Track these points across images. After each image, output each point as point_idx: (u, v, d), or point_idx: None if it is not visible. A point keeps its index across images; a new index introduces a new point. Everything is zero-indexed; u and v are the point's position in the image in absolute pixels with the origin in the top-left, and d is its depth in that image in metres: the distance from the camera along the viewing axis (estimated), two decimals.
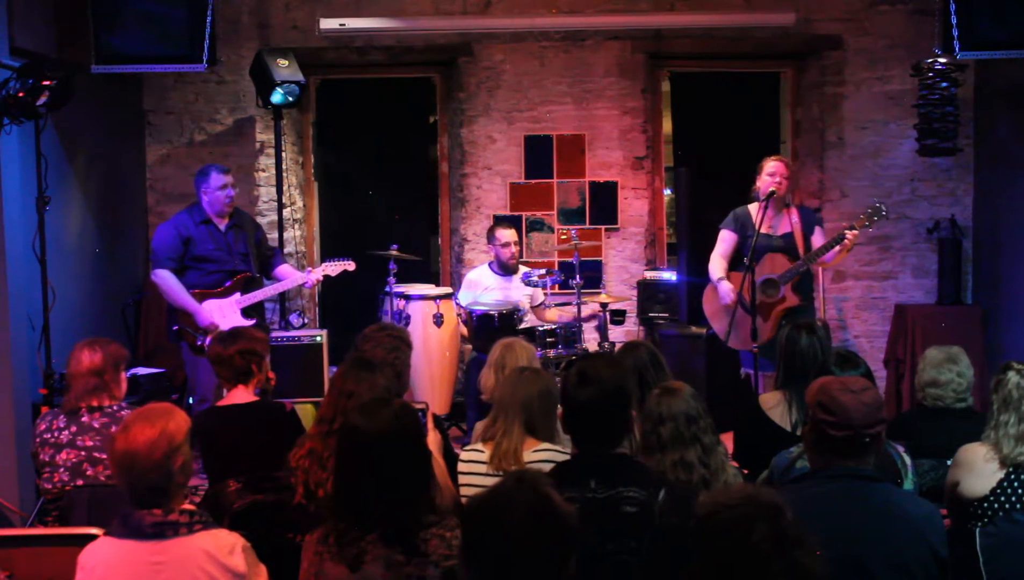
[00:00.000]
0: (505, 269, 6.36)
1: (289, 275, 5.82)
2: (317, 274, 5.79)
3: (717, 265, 5.70)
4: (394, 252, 6.10)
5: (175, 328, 5.53)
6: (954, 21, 5.40)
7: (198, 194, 5.59)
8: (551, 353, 5.73)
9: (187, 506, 2.63)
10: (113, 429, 3.57)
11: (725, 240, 5.71)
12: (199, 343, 5.46)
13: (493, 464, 3.24)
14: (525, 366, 3.67)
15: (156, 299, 5.97)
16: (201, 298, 5.50)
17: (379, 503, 2.45)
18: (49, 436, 3.64)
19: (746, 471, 3.72)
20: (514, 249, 6.35)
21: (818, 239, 5.51)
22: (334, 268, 5.87)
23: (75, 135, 5.86)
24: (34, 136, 4.98)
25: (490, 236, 6.43)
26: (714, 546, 1.87)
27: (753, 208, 5.50)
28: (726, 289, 5.53)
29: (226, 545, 2.58)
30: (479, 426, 3.65)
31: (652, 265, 7.13)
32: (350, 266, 5.89)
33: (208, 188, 5.53)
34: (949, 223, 6.90)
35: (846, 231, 5.28)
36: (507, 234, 6.33)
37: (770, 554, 1.81)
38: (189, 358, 5.58)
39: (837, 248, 5.32)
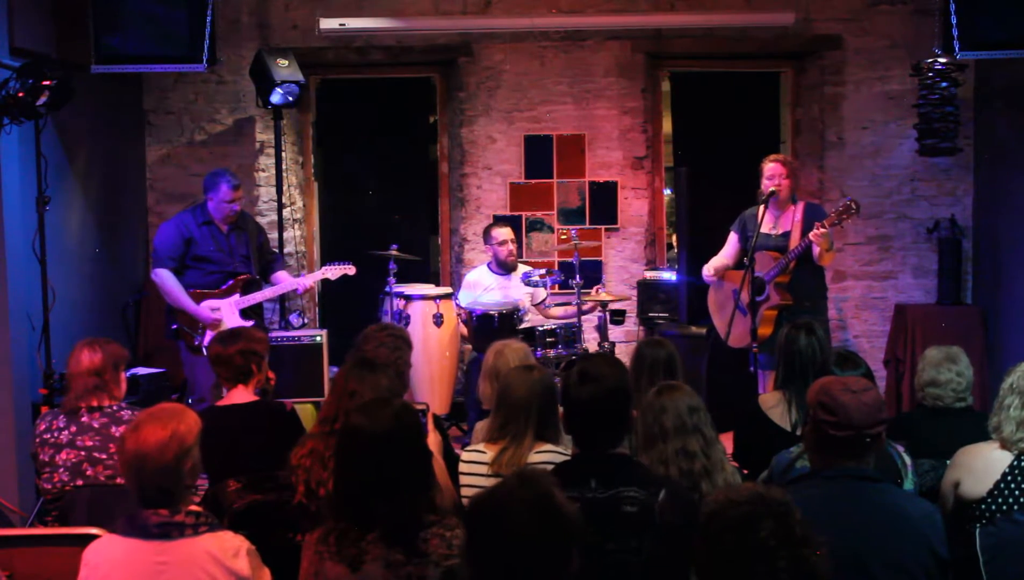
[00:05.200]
0: (504, 268, 6.37)
1: (284, 280, 5.82)
2: (307, 281, 5.80)
3: (716, 260, 5.75)
4: (394, 252, 6.10)
5: (174, 327, 5.54)
6: (954, 21, 5.40)
7: (205, 195, 5.60)
8: (551, 353, 5.73)
9: (194, 507, 2.63)
10: (113, 429, 3.59)
11: (730, 242, 5.80)
12: (197, 342, 5.47)
13: (495, 466, 3.23)
14: (530, 365, 3.66)
15: (156, 299, 5.97)
16: (200, 298, 5.51)
17: (379, 503, 2.45)
18: (49, 436, 3.64)
19: (746, 471, 3.72)
20: (511, 247, 6.37)
21: None
22: (334, 271, 5.88)
23: (75, 135, 5.86)
24: (34, 136, 4.97)
25: (486, 236, 6.44)
26: (721, 542, 1.88)
27: (761, 208, 5.51)
28: (708, 274, 5.71)
29: (231, 548, 2.58)
30: (480, 426, 3.65)
31: (652, 265, 7.13)
32: (350, 270, 5.89)
33: (216, 197, 5.55)
34: (949, 223, 6.91)
35: (817, 229, 5.25)
36: (503, 232, 6.35)
37: (776, 551, 1.82)
38: (187, 358, 5.59)
39: (817, 249, 5.31)
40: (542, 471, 2.18)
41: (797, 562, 1.83)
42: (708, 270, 5.77)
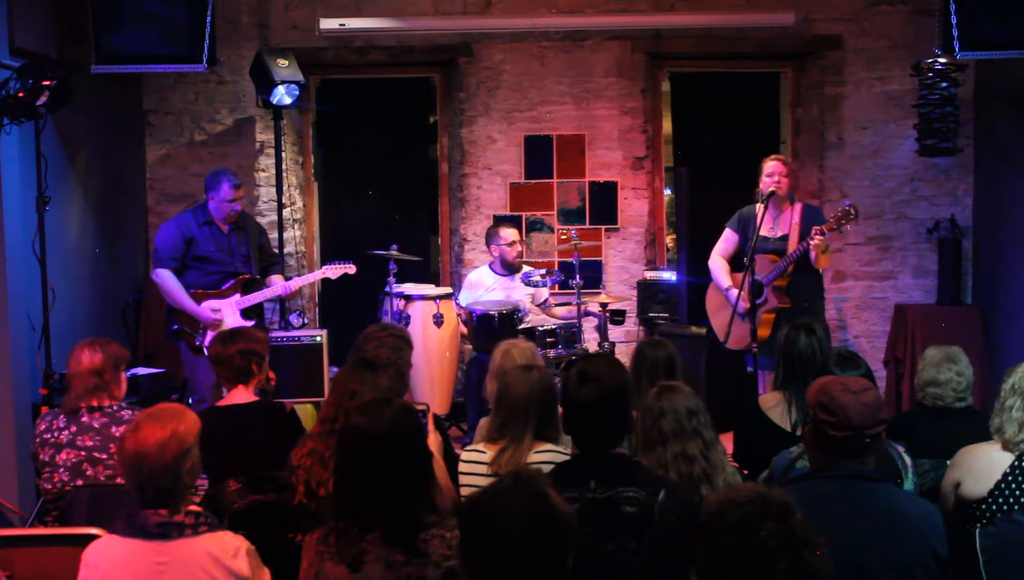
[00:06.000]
0: (509, 269, 6.37)
1: (274, 284, 5.79)
2: (293, 286, 5.78)
3: (719, 267, 5.72)
4: (394, 252, 6.10)
5: (175, 327, 5.54)
6: (954, 21, 5.39)
7: (206, 194, 5.61)
8: (551, 353, 5.73)
9: (193, 507, 2.63)
10: (113, 429, 3.59)
11: (726, 239, 5.76)
12: (198, 343, 5.47)
13: (494, 466, 3.23)
14: (530, 364, 3.65)
15: (156, 299, 5.97)
16: (201, 298, 5.52)
17: (380, 503, 2.45)
18: (49, 436, 3.64)
19: (746, 471, 3.72)
20: (520, 248, 6.41)
21: None
22: (334, 271, 5.89)
23: (75, 135, 5.86)
24: (34, 136, 4.98)
25: (492, 237, 6.42)
26: (722, 542, 1.87)
27: (760, 208, 5.49)
28: (735, 296, 5.42)
29: (230, 548, 2.58)
30: (483, 423, 3.64)
31: (652, 265, 7.13)
32: (351, 269, 5.90)
33: (217, 196, 5.56)
34: (949, 223, 6.91)
35: (815, 235, 5.24)
36: (512, 233, 6.36)
37: (777, 552, 1.82)
38: (188, 358, 5.59)
39: (814, 253, 5.30)
40: (537, 471, 2.17)
41: (798, 563, 1.82)
42: (724, 281, 5.68)
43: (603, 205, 7.12)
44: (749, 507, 1.87)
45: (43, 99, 4.76)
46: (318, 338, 5.54)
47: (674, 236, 7.88)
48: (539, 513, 1.94)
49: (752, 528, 1.85)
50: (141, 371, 5.82)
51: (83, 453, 3.59)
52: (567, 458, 3.11)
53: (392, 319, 6.03)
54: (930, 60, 6.29)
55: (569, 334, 5.87)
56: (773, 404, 3.88)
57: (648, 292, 6.81)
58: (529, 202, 7.13)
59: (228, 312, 5.53)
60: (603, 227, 7.14)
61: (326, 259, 6.50)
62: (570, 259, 6.14)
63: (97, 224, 6.24)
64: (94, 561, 2.58)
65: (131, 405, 3.88)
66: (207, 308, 5.50)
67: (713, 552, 1.90)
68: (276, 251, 6.27)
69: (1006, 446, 3.17)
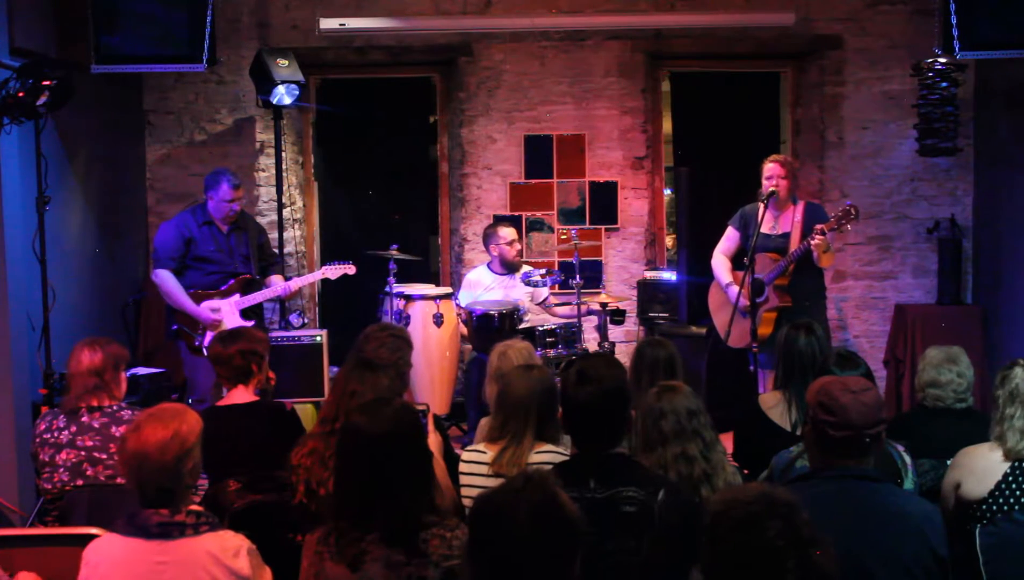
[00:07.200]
0: (509, 268, 6.37)
1: (274, 284, 5.79)
2: (293, 286, 5.78)
3: (721, 265, 5.73)
4: (394, 252, 6.10)
5: (174, 328, 5.54)
6: (954, 21, 5.39)
7: (206, 194, 5.61)
8: (551, 353, 5.73)
9: (194, 507, 2.63)
10: (113, 429, 3.59)
11: (729, 237, 5.77)
12: (197, 343, 5.47)
13: (495, 466, 3.23)
14: (530, 364, 3.65)
15: (156, 299, 5.98)
16: (200, 298, 5.52)
17: (380, 503, 2.45)
18: (49, 436, 3.64)
19: (746, 471, 3.73)
20: (519, 246, 6.41)
21: None
22: (334, 271, 5.89)
23: (75, 135, 5.86)
24: (34, 136, 4.97)
25: (490, 237, 6.42)
26: (728, 542, 1.87)
27: (761, 207, 5.49)
28: (735, 293, 5.50)
29: (231, 547, 2.58)
30: (483, 423, 3.64)
31: (652, 265, 7.13)
32: (350, 270, 5.90)
33: (216, 196, 5.56)
34: (949, 223, 6.91)
35: (815, 235, 5.24)
36: (510, 232, 6.37)
37: (784, 551, 1.82)
38: (187, 358, 5.59)
39: (815, 253, 5.30)
40: (548, 473, 2.17)
41: (806, 562, 1.82)
42: (725, 277, 5.71)
43: (603, 205, 7.12)
44: (756, 507, 1.87)
45: (43, 99, 4.75)
46: (318, 338, 5.53)
47: (674, 236, 7.88)
48: (548, 515, 1.94)
49: (759, 527, 1.85)
50: (141, 371, 5.81)
51: (83, 453, 3.59)
52: (567, 458, 3.11)
53: (392, 319, 6.03)
54: (930, 60, 6.29)
55: (569, 334, 5.87)
56: (773, 404, 3.88)
57: (648, 292, 6.81)
58: (529, 202, 7.13)
59: (227, 312, 5.53)
60: (603, 227, 7.14)
61: (326, 259, 6.50)
62: (570, 259, 6.13)
63: (97, 224, 6.24)
64: (94, 560, 2.58)
65: (131, 405, 3.87)
66: (207, 308, 5.50)
67: (720, 552, 1.89)
68: (276, 251, 6.27)
69: (1008, 455, 3.16)
